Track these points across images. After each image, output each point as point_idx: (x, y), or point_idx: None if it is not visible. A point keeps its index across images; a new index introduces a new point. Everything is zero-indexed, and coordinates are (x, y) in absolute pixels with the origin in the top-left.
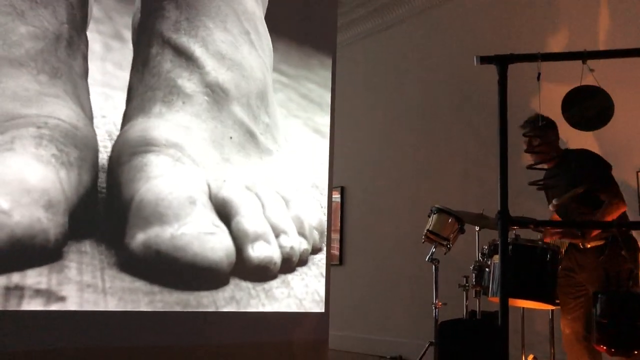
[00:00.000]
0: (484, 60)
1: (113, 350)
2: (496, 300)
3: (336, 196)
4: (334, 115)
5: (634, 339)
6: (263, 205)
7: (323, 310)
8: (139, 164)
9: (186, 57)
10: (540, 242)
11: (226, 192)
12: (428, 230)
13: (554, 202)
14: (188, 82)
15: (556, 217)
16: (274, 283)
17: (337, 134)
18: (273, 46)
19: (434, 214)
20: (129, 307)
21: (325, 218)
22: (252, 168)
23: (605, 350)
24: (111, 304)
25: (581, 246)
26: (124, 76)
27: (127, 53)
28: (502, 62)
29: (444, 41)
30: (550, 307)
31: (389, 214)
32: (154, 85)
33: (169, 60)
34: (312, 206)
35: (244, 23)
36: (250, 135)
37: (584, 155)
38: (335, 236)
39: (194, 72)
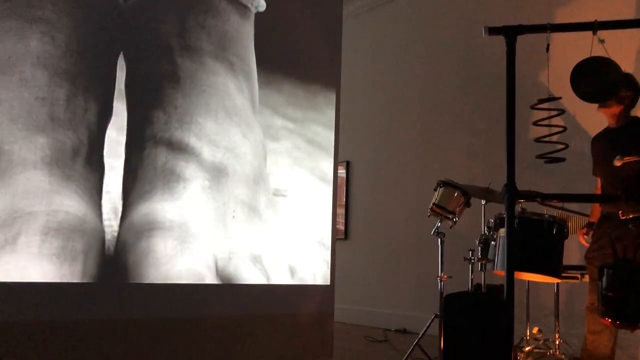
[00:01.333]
0: (493, 31)
1: (122, 322)
2: (502, 273)
3: (341, 171)
4: (340, 89)
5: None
6: (268, 277)
7: (329, 284)
8: (145, 249)
9: (180, 148)
10: (546, 216)
11: (233, 267)
12: (434, 203)
13: (618, 158)
14: (186, 169)
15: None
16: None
17: (342, 109)
18: (280, 89)
19: (440, 187)
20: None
21: (328, 271)
22: (257, 239)
23: (610, 323)
24: None
25: (621, 217)
26: None
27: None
28: (511, 33)
29: (451, 12)
30: (555, 280)
31: (395, 188)
32: (152, 180)
33: (164, 156)
34: (318, 267)
35: (234, 117)
36: (253, 211)
37: None
38: (341, 211)
39: (190, 159)
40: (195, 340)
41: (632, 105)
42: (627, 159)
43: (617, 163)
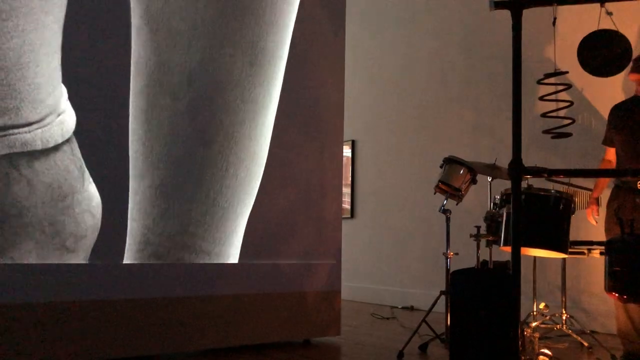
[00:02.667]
0: (499, 5)
1: (125, 302)
2: (508, 249)
3: (347, 150)
4: (344, 67)
5: None
6: (276, 255)
7: (335, 262)
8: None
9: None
10: (553, 191)
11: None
12: (440, 181)
13: None
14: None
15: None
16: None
17: (347, 87)
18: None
19: (446, 164)
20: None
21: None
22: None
23: (617, 297)
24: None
25: (639, 187)
26: None
27: None
28: (517, 6)
29: None
30: (562, 255)
31: (400, 166)
32: None
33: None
34: (325, 245)
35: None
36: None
37: None
38: (347, 190)
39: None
40: (204, 320)
41: None
42: None
43: None
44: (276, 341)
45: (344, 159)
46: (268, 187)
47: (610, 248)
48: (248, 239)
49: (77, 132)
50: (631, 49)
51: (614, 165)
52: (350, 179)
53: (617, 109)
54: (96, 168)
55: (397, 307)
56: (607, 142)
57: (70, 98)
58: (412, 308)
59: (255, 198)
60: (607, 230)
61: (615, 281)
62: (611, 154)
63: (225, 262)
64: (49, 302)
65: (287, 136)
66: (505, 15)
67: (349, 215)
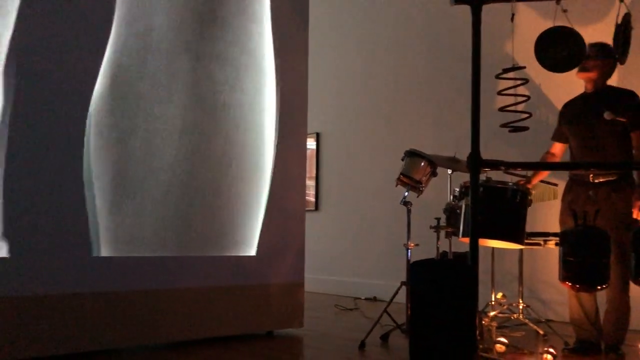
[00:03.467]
0: (458, 0)
1: (86, 295)
2: (467, 240)
3: (312, 143)
4: (307, 59)
5: (598, 275)
6: (237, 249)
7: (299, 254)
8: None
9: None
10: (510, 184)
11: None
12: (401, 173)
13: (609, 113)
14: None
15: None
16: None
17: (311, 80)
18: None
19: (407, 157)
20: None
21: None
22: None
23: (570, 286)
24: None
25: (592, 180)
26: None
27: None
28: (477, 2)
29: None
30: (519, 246)
31: (364, 160)
32: None
33: None
34: (287, 238)
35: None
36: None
37: (633, 93)
38: (311, 183)
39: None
40: (165, 313)
41: (610, 73)
42: (619, 118)
43: (608, 117)
44: (239, 333)
45: (309, 151)
46: (231, 180)
47: (564, 239)
48: (210, 231)
49: (34, 128)
50: (585, 46)
51: (557, 159)
52: (314, 171)
53: (568, 106)
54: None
55: (360, 298)
56: (556, 137)
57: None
58: (375, 299)
59: (217, 190)
60: (562, 222)
61: (569, 271)
62: (556, 148)
63: (187, 254)
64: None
65: (254, 128)
66: (466, 10)
67: (314, 208)
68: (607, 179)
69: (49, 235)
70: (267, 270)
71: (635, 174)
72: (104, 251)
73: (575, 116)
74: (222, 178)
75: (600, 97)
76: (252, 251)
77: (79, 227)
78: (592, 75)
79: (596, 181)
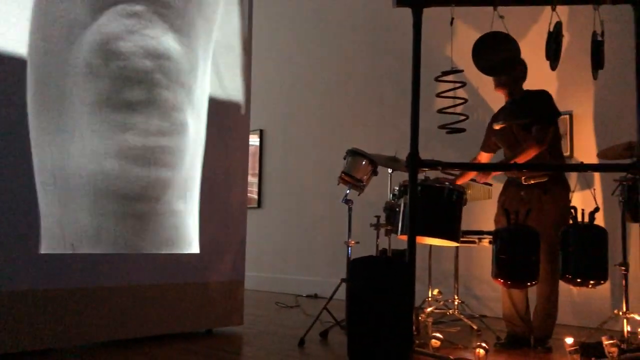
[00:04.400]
0: (400, 2)
1: (16, 294)
2: (405, 238)
3: (255, 139)
4: (250, 56)
5: (528, 272)
6: (177, 246)
7: (239, 252)
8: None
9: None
10: (447, 184)
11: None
12: (343, 172)
13: (495, 124)
14: None
15: (482, 159)
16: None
17: (256, 76)
18: None
19: (349, 156)
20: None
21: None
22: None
23: (502, 283)
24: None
25: (523, 182)
26: None
27: None
28: (418, 5)
29: None
30: (455, 244)
31: (307, 157)
32: None
33: None
34: (228, 235)
35: None
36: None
37: (539, 93)
38: (254, 180)
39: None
40: (101, 311)
41: (523, 79)
42: (507, 123)
43: (496, 126)
44: (178, 332)
45: (252, 148)
46: (170, 177)
47: (497, 237)
48: (148, 229)
49: None
50: (519, 50)
51: None
52: (258, 168)
53: (494, 118)
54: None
55: (301, 296)
56: (484, 147)
57: None
58: (315, 296)
59: (157, 187)
60: (496, 221)
61: (501, 268)
62: (482, 157)
63: (123, 252)
64: None
65: (191, 125)
66: (408, 12)
67: (256, 205)
68: (538, 180)
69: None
70: (206, 268)
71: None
72: (43, 248)
73: (505, 122)
74: (161, 175)
75: (517, 104)
76: (192, 249)
77: (14, 224)
78: (505, 89)
79: (528, 183)
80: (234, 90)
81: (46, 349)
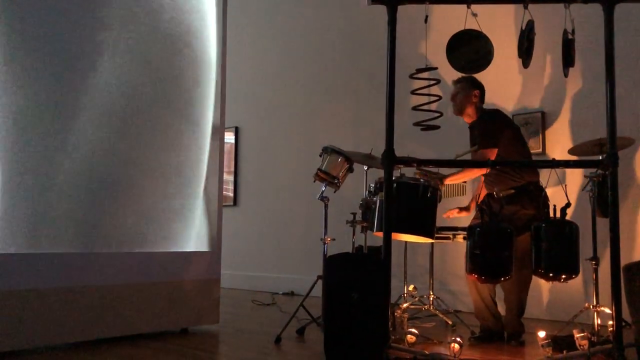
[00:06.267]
0: (375, 0)
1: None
2: (381, 234)
3: (230, 137)
4: (226, 53)
5: (501, 267)
6: (152, 244)
7: (215, 250)
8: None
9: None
10: (422, 180)
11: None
12: (319, 169)
13: (456, 155)
14: None
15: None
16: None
17: (232, 74)
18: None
19: (325, 153)
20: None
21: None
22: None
23: (476, 278)
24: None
25: (495, 195)
26: None
27: None
28: (392, 3)
29: None
30: (430, 240)
31: (283, 155)
32: None
33: None
34: (203, 233)
35: None
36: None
37: (486, 116)
38: (229, 177)
39: None
40: (73, 311)
41: (482, 101)
42: (461, 153)
43: (456, 156)
44: (152, 331)
45: (228, 145)
46: (146, 174)
47: (471, 233)
48: (122, 228)
49: None
50: (492, 48)
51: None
52: (233, 166)
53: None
54: None
55: (278, 293)
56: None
57: None
58: (292, 293)
59: (131, 186)
60: (475, 219)
61: (475, 263)
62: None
63: (97, 251)
64: None
65: (165, 122)
66: (383, 10)
67: (232, 203)
68: (506, 193)
69: None
70: (181, 267)
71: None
72: (11, 248)
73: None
74: (135, 173)
75: (472, 129)
76: (167, 247)
77: None
78: (463, 115)
79: (498, 196)
80: (207, 87)
81: (14, 350)
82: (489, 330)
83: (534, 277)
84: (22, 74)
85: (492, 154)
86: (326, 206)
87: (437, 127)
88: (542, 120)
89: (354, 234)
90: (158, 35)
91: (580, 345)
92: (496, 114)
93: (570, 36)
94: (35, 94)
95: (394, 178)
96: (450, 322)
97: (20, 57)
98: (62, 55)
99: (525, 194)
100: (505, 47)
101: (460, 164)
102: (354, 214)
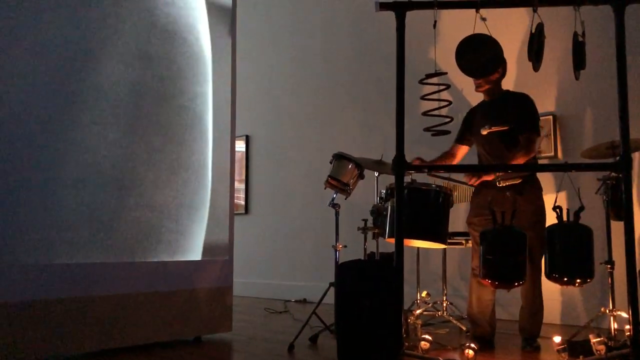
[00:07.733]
0: (383, 6)
1: (4, 305)
2: (392, 241)
3: (241, 145)
4: (235, 63)
5: (515, 272)
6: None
7: (227, 258)
8: None
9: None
10: (433, 186)
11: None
12: (329, 176)
13: (485, 128)
14: None
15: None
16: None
17: (242, 84)
18: None
19: (335, 160)
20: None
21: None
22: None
23: (490, 283)
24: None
25: (498, 184)
26: None
27: None
28: (400, 9)
29: None
30: (442, 246)
31: (293, 162)
32: None
33: None
34: (216, 242)
35: None
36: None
37: (522, 98)
38: (241, 186)
39: None
40: (87, 321)
41: (501, 78)
42: (495, 129)
43: (484, 132)
44: (166, 340)
45: (239, 154)
46: (158, 183)
47: (483, 238)
48: (134, 236)
49: None
50: (502, 52)
51: (456, 160)
52: (244, 174)
53: (470, 114)
54: None
55: (290, 301)
56: (463, 141)
57: None
58: (305, 301)
59: (144, 195)
60: (469, 223)
61: (488, 269)
62: (460, 151)
63: (111, 261)
64: None
65: (177, 132)
66: (392, 16)
67: (243, 211)
68: (512, 183)
69: None
70: (194, 275)
71: (522, 139)
72: (22, 259)
73: (475, 125)
74: (148, 182)
75: (495, 105)
76: (179, 256)
77: None
78: (485, 88)
79: (502, 185)
80: (218, 96)
81: None
82: (482, 337)
83: (549, 282)
84: (22, 73)
85: (538, 142)
86: (337, 213)
87: (447, 132)
88: (554, 123)
89: (365, 241)
90: (156, 32)
91: (597, 350)
92: (532, 99)
93: (580, 38)
94: (35, 92)
95: (405, 184)
96: (464, 328)
97: (20, 55)
98: (61, 53)
99: (532, 184)
100: (515, 50)
101: (465, 169)
102: (365, 221)
